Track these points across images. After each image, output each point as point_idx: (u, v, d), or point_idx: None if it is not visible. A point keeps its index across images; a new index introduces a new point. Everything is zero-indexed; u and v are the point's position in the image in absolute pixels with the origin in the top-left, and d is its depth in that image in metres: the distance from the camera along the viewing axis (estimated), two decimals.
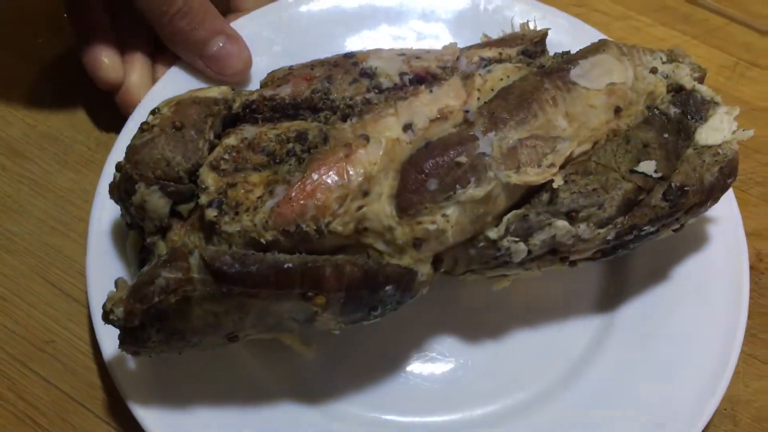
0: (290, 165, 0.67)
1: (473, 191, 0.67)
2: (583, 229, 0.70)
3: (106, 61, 0.88)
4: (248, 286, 0.62)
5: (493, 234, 0.69)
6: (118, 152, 0.79)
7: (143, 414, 0.71)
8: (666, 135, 0.74)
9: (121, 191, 0.70)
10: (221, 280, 0.62)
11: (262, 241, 0.63)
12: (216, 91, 0.74)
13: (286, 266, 0.63)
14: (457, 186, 0.66)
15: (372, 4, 0.97)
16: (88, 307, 0.76)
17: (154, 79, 0.90)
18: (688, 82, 0.77)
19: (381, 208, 0.66)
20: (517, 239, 0.70)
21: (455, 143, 0.67)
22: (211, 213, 0.64)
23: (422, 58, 0.74)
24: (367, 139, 0.67)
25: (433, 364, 0.79)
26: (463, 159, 0.67)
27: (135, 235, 0.74)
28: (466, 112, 0.69)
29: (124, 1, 0.85)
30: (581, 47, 0.77)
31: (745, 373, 0.81)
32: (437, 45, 0.81)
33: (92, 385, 0.77)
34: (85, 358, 0.79)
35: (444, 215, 0.67)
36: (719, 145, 0.75)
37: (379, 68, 0.73)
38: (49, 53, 1.00)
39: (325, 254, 0.65)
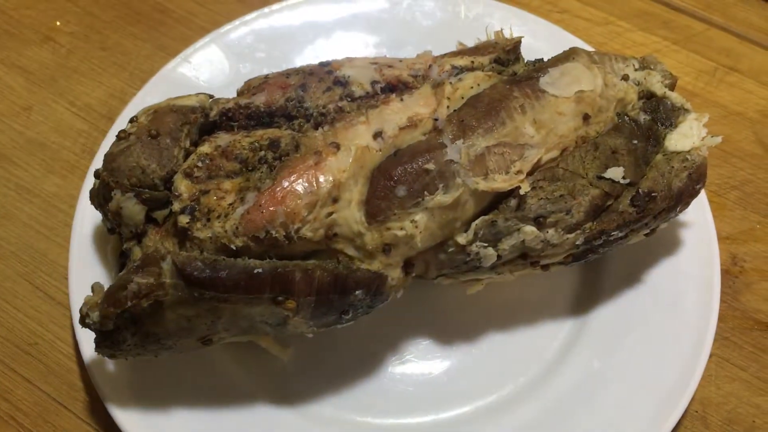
0: (262, 172, 0.68)
1: (441, 197, 0.68)
2: (551, 234, 0.72)
3: None
4: (219, 290, 0.64)
5: (462, 239, 0.71)
6: (101, 159, 0.81)
7: (121, 415, 0.72)
8: (635, 141, 0.75)
9: (99, 198, 0.72)
10: (192, 284, 0.63)
11: (233, 246, 0.65)
12: (194, 99, 0.75)
13: (256, 271, 0.64)
14: (426, 192, 0.68)
15: (354, 13, 0.99)
16: (70, 311, 0.78)
17: None
18: (659, 89, 0.78)
19: (350, 215, 0.67)
20: (486, 244, 0.71)
21: (424, 150, 0.69)
22: (184, 219, 0.66)
23: (394, 66, 0.76)
24: (337, 146, 0.68)
25: (408, 366, 0.81)
26: (431, 166, 0.68)
27: (117, 240, 0.76)
28: (436, 120, 0.71)
29: None
30: None
31: (717, 375, 0.82)
32: (417, 53, 0.82)
33: (73, 386, 0.79)
34: (67, 360, 0.81)
35: (413, 221, 0.68)
36: (688, 151, 0.76)
37: (352, 77, 0.75)
38: (37, 62, 1.02)
39: (296, 259, 0.67)
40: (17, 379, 0.80)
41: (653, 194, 0.73)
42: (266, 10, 0.99)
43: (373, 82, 0.74)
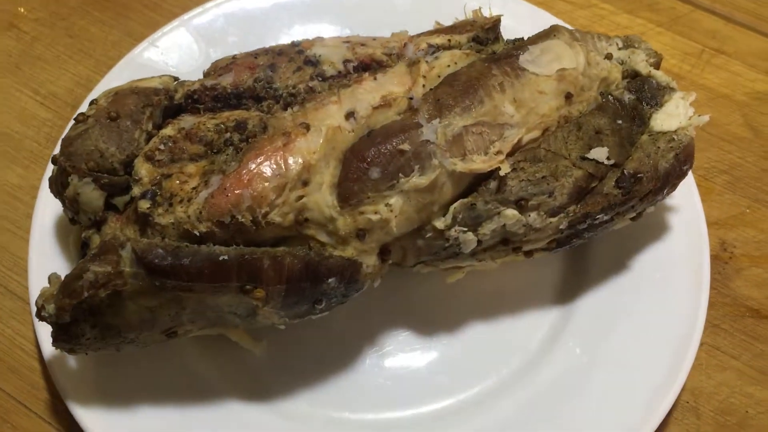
0: (227, 155, 0.65)
1: (417, 179, 0.65)
2: (533, 218, 0.69)
3: None
4: (182, 279, 0.60)
5: (440, 224, 0.67)
6: None
7: (84, 414, 0.69)
8: (620, 121, 0.72)
9: (57, 185, 0.68)
10: (153, 273, 0.60)
11: (196, 233, 0.62)
12: (157, 81, 0.72)
13: (221, 258, 0.61)
14: (401, 174, 0.65)
15: None
16: (30, 305, 0.74)
17: None
18: (643, 68, 0.76)
19: (322, 198, 0.64)
20: (465, 229, 0.68)
21: (398, 131, 0.66)
22: (144, 204, 0.62)
23: (367, 45, 0.73)
24: (307, 127, 0.65)
25: (387, 359, 0.77)
26: (406, 147, 0.65)
27: (79, 231, 0.72)
28: (411, 99, 0.67)
29: None
30: None
31: (707, 364, 0.79)
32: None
33: (35, 384, 0.75)
34: (28, 358, 0.77)
35: (387, 204, 0.65)
36: (675, 131, 0.73)
37: (323, 56, 0.72)
38: (0, 49, 0.98)
39: (265, 246, 0.63)
40: None
41: (639, 175, 0.70)
42: None
43: (346, 61, 0.71)
